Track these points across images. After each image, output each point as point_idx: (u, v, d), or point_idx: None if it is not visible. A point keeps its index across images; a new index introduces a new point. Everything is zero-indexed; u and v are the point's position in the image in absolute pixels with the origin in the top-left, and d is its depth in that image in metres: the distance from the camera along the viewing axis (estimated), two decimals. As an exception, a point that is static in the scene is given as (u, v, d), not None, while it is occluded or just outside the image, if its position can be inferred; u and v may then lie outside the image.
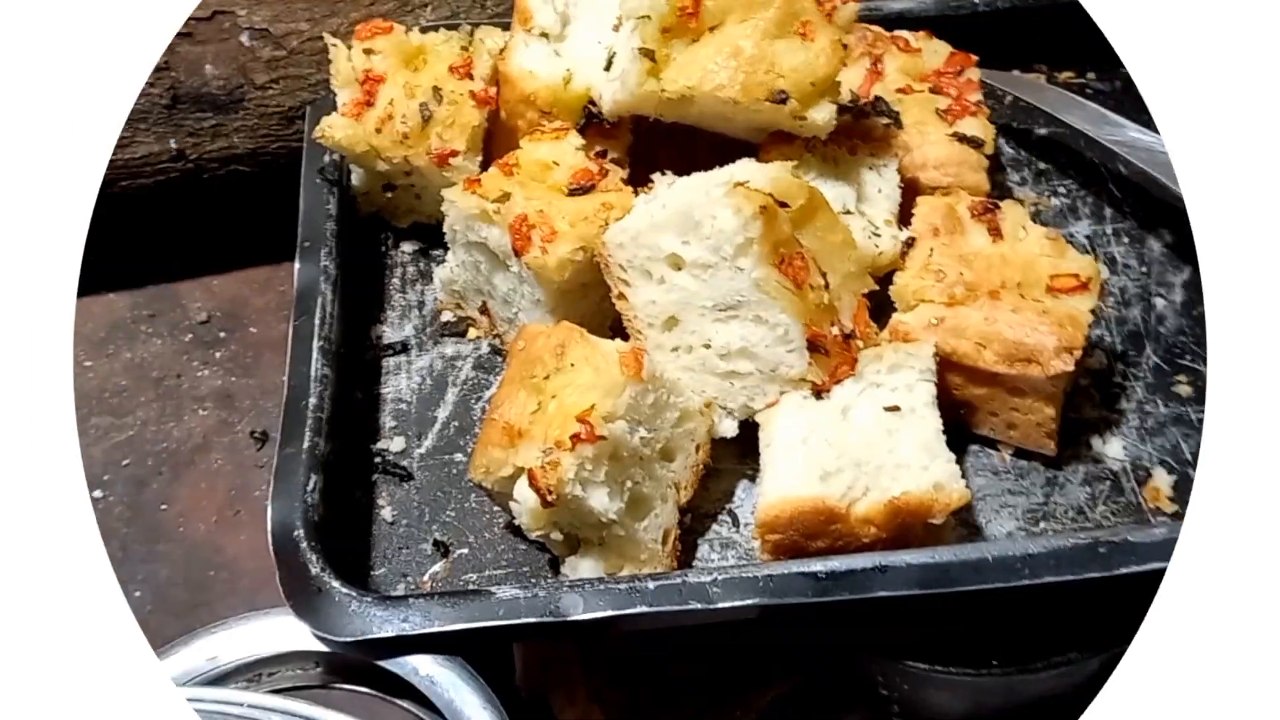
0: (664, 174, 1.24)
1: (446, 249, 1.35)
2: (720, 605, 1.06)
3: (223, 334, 1.65)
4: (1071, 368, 1.16)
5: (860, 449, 1.13)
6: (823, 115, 1.23)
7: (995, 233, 1.24)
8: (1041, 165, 1.52)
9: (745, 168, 1.18)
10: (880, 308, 1.26)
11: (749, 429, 1.22)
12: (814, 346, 1.15)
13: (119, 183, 1.55)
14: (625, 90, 1.24)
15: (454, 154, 1.33)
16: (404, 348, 1.36)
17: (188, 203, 1.61)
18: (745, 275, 1.14)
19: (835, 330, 1.17)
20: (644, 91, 1.22)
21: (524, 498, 1.11)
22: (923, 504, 1.10)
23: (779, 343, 1.16)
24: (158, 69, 1.49)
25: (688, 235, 1.16)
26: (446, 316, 1.38)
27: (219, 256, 1.70)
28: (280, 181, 1.58)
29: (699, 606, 1.06)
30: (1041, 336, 1.17)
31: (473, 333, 1.37)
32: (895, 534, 1.11)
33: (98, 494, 1.50)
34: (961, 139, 1.35)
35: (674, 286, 1.19)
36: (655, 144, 1.36)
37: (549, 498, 1.08)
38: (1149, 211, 1.44)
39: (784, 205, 1.15)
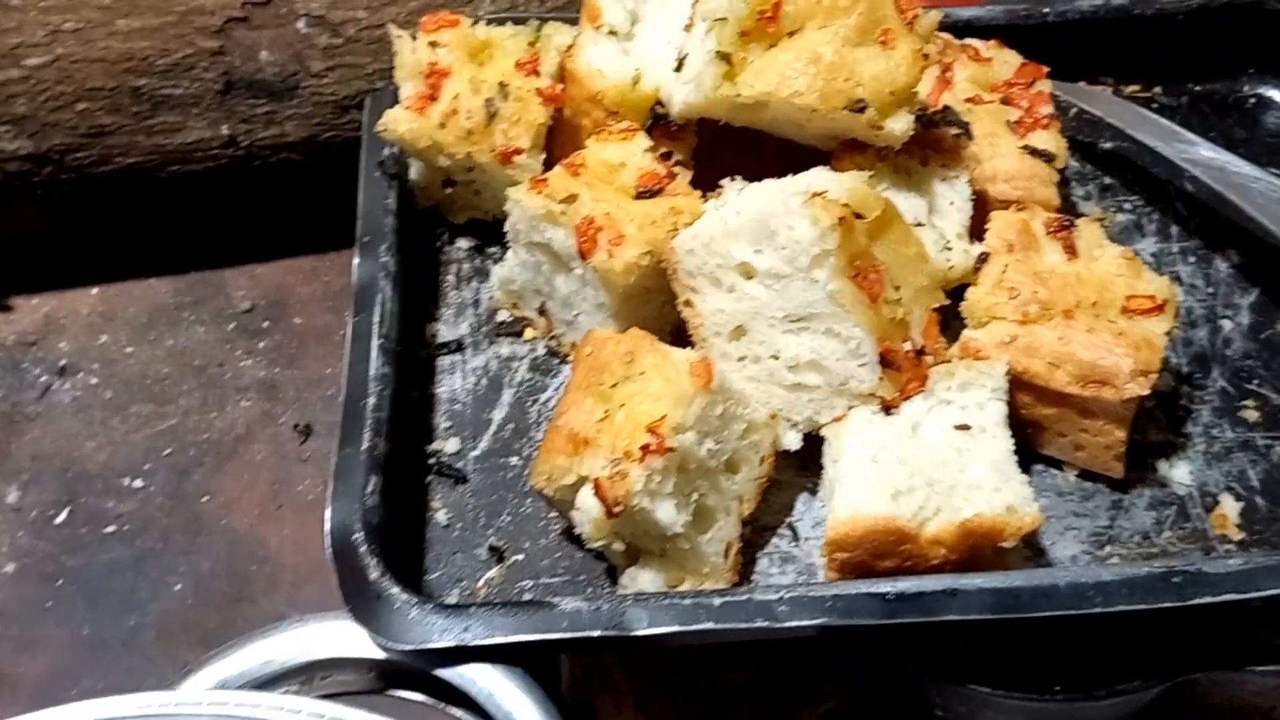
0: (733, 179, 1.22)
1: (502, 246, 1.33)
2: (787, 624, 1.04)
3: (266, 323, 1.63)
4: (1147, 391, 1.14)
5: (931, 468, 1.11)
6: (900, 125, 1.21)
7: (1070, 250, 1.22)
8: (1107, 180, 1.49)
9: (821, 177, 1.16)
10: (947, 322, 1.24)
11: (809, 442, 1.20)
12: (886, 361, 1.13)
13: (168, 167, 1.53)
14: (699, 93, 1.21)
15: (518, 151, 1.31)
16: (459, 346, 1.34)
17: (235, 190, 1.59)
18: (819, 287, 1.11)
19: (907, 346, 1.15)
20: (718, 95, 1.19)
21: (587, 507, 1.09)
22: (995, 526, 1.08)
23: (850, 356, 1.14)
24: (212, 54, 1.47)
25: (761, 244, 1.14)
26: (502, 316, 1.36)
27: (264, 245, 1.68)
28: (330, 171, 1.56)
29: (765, 625, 1.04)
30: (1117, 359, 1.15)
31: (529, 333, 1.35)
32: (964, 556, 1.09)
33: (138, 483, 1.49)
34: (1033, 152, 1.33)
35: (744, 295, 1.17)
36: (720, 147, 1.34)
37: (615, 509, 1.06)
38: (1216, 231, 1.42)
39: (859, 216, 1.13)
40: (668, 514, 1.08)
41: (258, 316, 1.63)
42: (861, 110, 1.18)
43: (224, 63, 1.48)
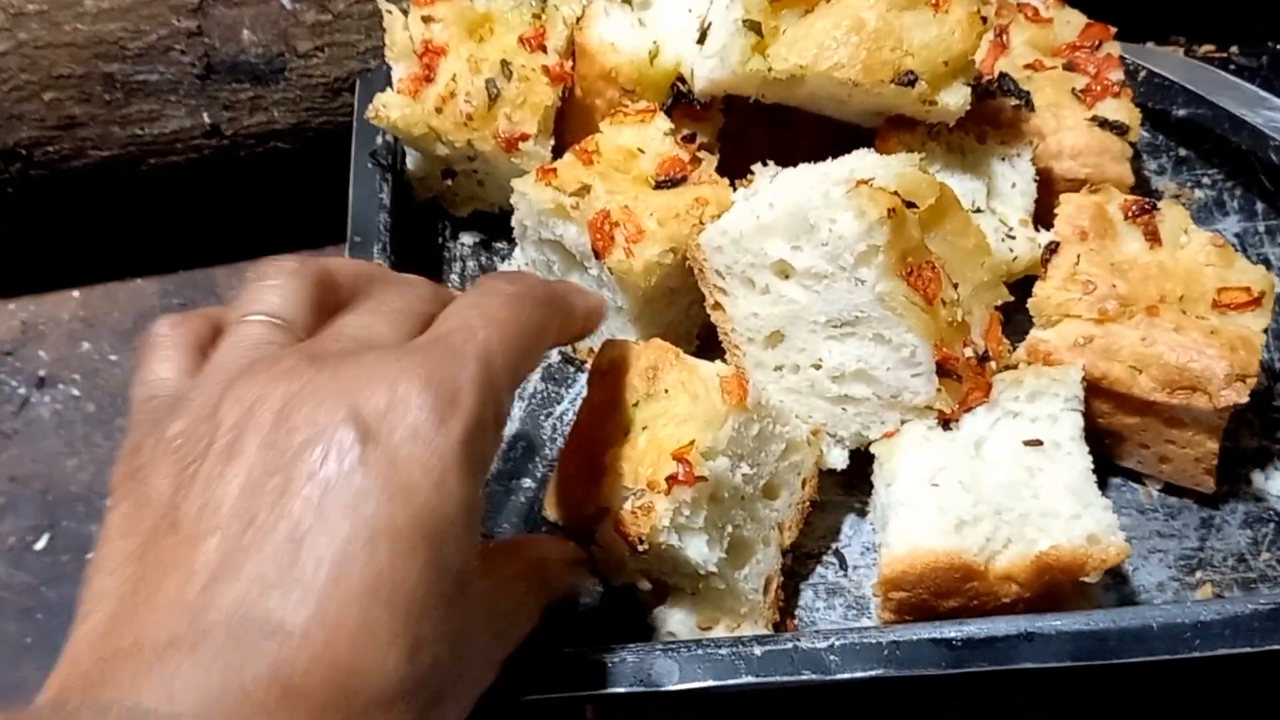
0: (765, 164, 1.08)
1: (510, 242, 1.21)
2: (838, 676, 0.91)
3: (260, 326, 1.50)
4: (1245, 399, 1.00)
5: (999, 493, 0.98)
6: (955, 99, 1.06)
7: (1153, 237, 1.08)
8: (1182, 151, 1.35)
9: (866, 161, 1.02)
10: (1009, 317, 1.10)
11: (856, 457, 1.07)
12: (943, 370, 1.00)
13: (147, 160, 1.40)
14: (725, 68, 1.07)
15: (524, 137, 1.17)
16: (464, 355, 1.21)
17: (222, 182, 1.46)
18: (867, 288, 0.98)
19: (968, 351, 1.01)
20: (747, 70, 1.06)
21: (609, 543, 0.96)
22: (1075, 560, 0.94)
23: (903, 365, 1.00)
24: (189, 35, 1.34)
25: (799, 240, 1.00)
26: (515, 317, 1.23)
27: (256, 240, 1.55)
28: (324, 159, 1.43)
29: (813, 678, 0.91)
30: (1209, 361, 1.01)
31: (542, 339, 1.22)
32: (1039, 593, 0.96)
33: (124, 505, 1.37)
34: (1103, 124, 1.18)
35: (780, 298, 1.03)
36: (750, 126, 1.20)
37: (640, 547, 0.93)
38: (1310, 206, 1.28)
39: (911, 206, 0.99)
40: (699, 551, 0.95)
41: (251, 319, 1.50)
42: (911, 84, 1.04)
43: (203, 44, 1.35)
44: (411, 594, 0.67)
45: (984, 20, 1.05)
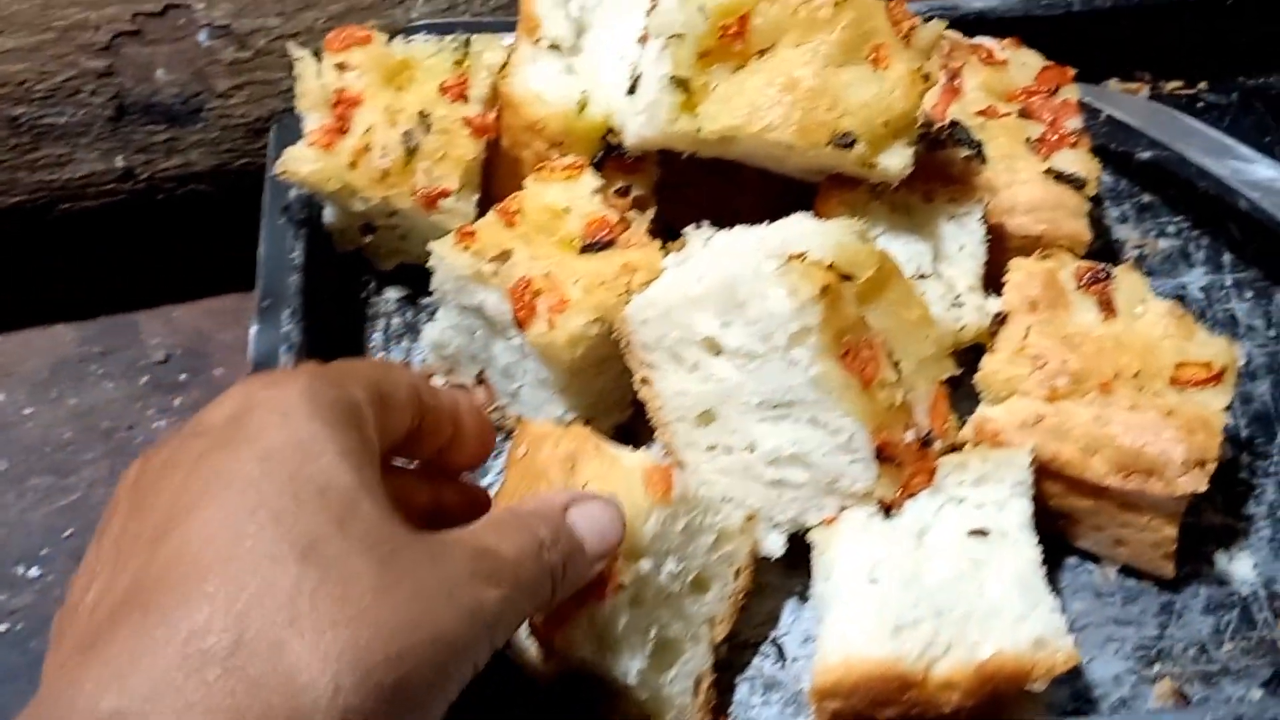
0: (699, 226, 1.02)
1: (438, 300, 1.14)
2: (766, 796, 0.85)
3: (184, 376, 1.42)
4: (1204, 486, 0.94)
5: (942, 589, 0.91)
6: (896, 162, 0.99)
7: (1107, 307, 1.01)
8: (1146, 198, 1.28)
9: (802, 228, 0.95)
10: (959, 383, 1.03)
11: (797, 536, 1.00)
12: (883, 456, 0.93)
13: (58, 205, 1.33)
14: (652, 126, 1.00)
15: (444, 194, 1.10)
16: (385, 421, 1.14)
17: (141, 226, 1.39)
18: (800, 369, 0.91)
19: (910, 435, 0.95)
20: (676, 129, 0.99)
21: (522, 647, 0.90)
22: (1020, 668, 0.88)
23: (840, 450, 0.93)
24: (100, 75, 1.26)
25: (729, 315, 0.93)
26: (438, 381, 1.16)
27: (181, 283, 1.47)
28: (247, 200, 1.35)
29: (740, 798, 0.85)
30: (1166, 444, 0.94)
31: (468, 403, 1.15)
32: (983, 700, 0.90)
33: (34, 572, 1.29)
34: (1058, 177, 1.11)
35: (710, 376, 0.96)
36: (689, 176, 1.13)
37: (556, 656, 0.87)
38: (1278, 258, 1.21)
39: (847, 278, 0.93)
40: (620, 664, 0.88)
41: (174, 368, 1.43)
42: (849, 145, 0.97)
43: (114, 85, 1.28)
44: (276, 508, 0.66)
45: (926, 77, 0.98)
